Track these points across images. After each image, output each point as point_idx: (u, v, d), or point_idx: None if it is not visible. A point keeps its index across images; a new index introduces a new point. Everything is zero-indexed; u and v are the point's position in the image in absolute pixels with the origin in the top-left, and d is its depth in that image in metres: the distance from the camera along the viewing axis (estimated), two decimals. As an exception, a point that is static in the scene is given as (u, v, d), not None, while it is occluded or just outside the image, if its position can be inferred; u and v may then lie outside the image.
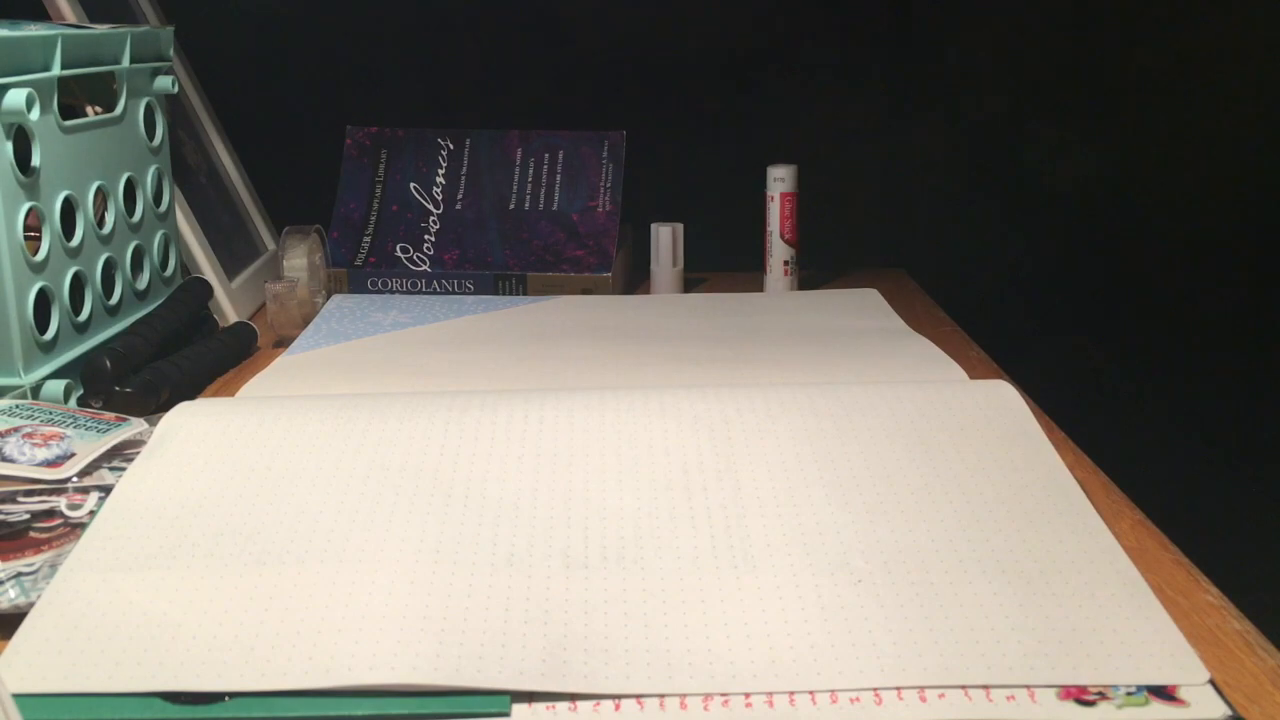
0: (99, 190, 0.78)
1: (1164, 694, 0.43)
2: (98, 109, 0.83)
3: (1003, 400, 0.63)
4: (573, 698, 0.43)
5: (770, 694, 0.43)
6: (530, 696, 0.43)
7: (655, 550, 0.50)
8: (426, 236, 1.01)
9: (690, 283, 1.04)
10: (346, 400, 0.65)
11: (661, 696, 0.43)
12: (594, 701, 0.43)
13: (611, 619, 0.46)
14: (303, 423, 0.62)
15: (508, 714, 0.42)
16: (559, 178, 1.03)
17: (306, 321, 0.89)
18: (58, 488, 0.57)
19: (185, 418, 0.63)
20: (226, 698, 0.43)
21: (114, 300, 0.80)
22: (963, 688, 0.43)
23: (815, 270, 1.05)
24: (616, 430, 0.60)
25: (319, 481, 0.56)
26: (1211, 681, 0.43)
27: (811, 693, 0.43)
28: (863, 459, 0.57)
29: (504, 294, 0.99)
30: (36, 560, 0.52)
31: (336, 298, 0.96)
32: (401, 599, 0.47)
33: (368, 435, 0.60)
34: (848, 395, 0.63)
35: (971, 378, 0.74)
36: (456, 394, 0.65)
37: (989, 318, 0.98)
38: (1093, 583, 0.48)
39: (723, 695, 0.43)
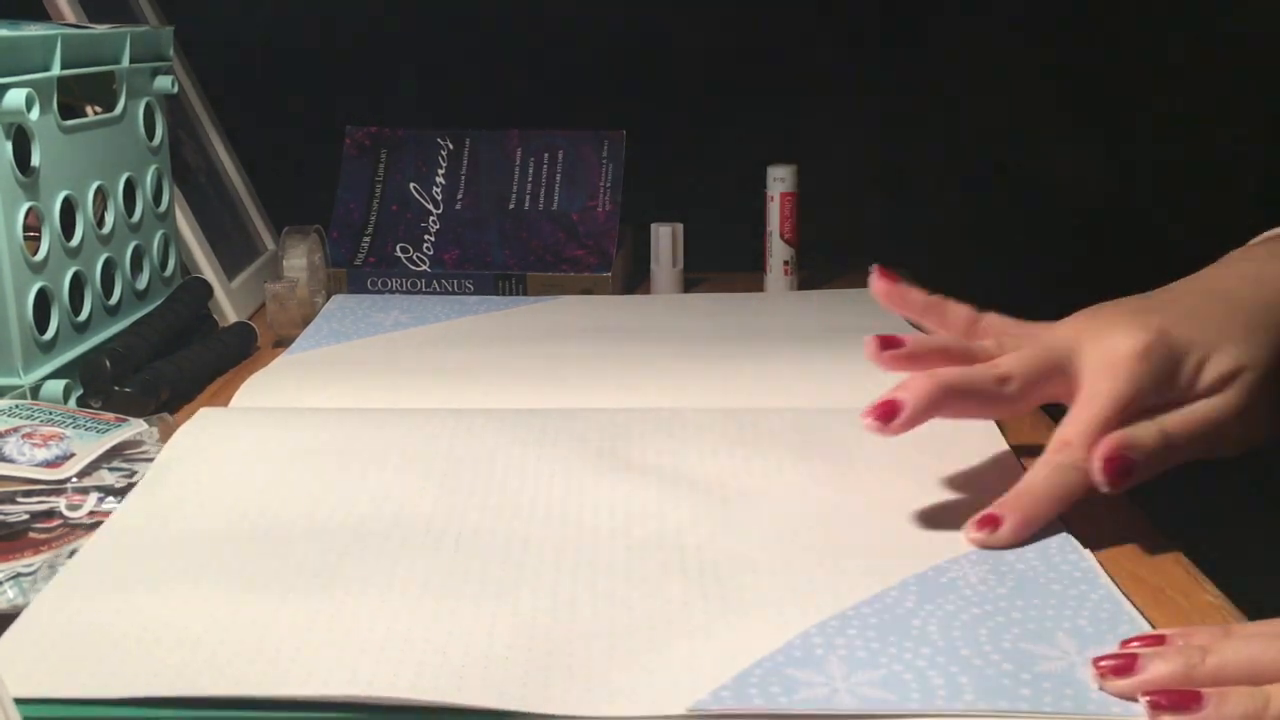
0: (98, 190, 0.78)
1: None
2: (97, 109, 0.83)
3: (990, 443, 0.65)
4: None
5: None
6: (519, 713, 0.43)
7: (643, 596, 0.50)
8: (426, 236, 1.01)
9: (690, 283, 1.04)
10: (351, 434, 0.66)
11: None
12: None
13: (595, 651, 0.46)
14: (305, 458, 0.63)
15: None
16: (559, 177, 1.03)
17: (306, 321, 0.89)
18: (57, 488, 0.57)
19: (189, 441, 0.65)
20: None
21: (114, 300, 0.80)
22: (962, 716, 0.43)
23: (815, 270, 1.05)
24: (611, 491, 0.60)
25: (313, 520, 0.57)
26: None
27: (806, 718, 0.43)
28: (856, 525, 0.57)
29: (504, 294, 0.99)
30: (35, 561, 0.52)
31: (336, 298, 0.96)
32: (385, 623, 0.47)
33: (365, 480, 0.61)
34: (844, 452, 0.64)
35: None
36: (454, 441, 0.66)
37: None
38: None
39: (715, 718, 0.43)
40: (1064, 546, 0.54)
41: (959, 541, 0.55)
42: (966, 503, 0.58)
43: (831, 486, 0.61)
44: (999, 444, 0.65)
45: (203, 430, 0.66)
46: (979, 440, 0.65)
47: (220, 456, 0.63)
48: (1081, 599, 0.50)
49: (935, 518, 0.57)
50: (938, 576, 0.52)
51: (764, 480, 0.61)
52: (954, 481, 0.61)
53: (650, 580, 0.52)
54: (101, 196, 0.79)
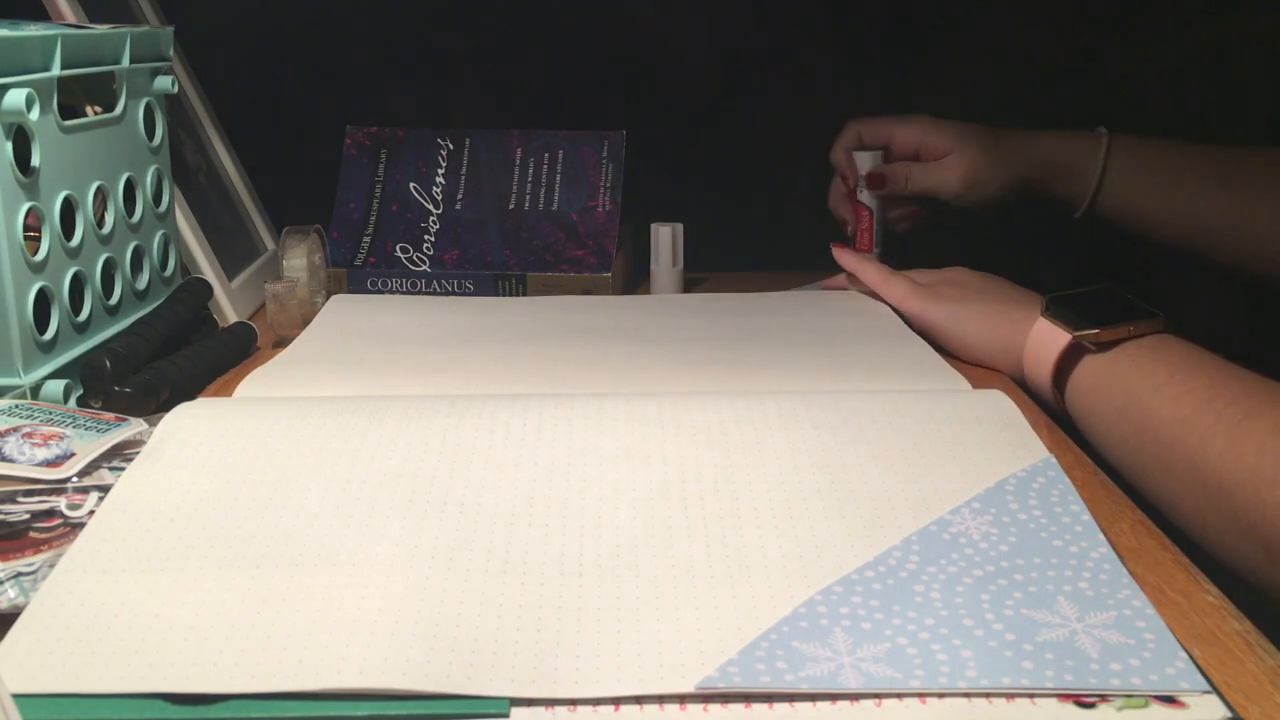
0: (99, 190, 0.78)
1: (1163, 695, 0.43)
2: (97, 109, 0.83)
3: (998, 409, 0.64)
4: (572, 701, 0.43)
5: (770, 696, 0.43)
6: (530, 699, 0.43)
7: (650, 558, 0.50)
8: (426, 236, 1.01)
9: (690, 283, 1.04)
10: (345, 404, 0.65)
11: (660, 699, 0.43)
12: (592, 704, 0.43)
13: (604, 625, 0.46)
14: (301, 427, 0.62)
15: (506, 715, 0.42)
16: (559, 178, 1.03)
17: (306, 321, 0.89)
18: (57, 488, 0.57)
19: (184, 420, 0.63)
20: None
21: (114, 300, 0.80)
22: (965, 695, 0.43)
23: (817, 271, 1.05)
24: (614, 439, 0.60)
25: (315, 486, 0.56)
26: (1211, 685, 0.43)
27: (812, 696, 0.43)
28: (860, 472, 0.57)
29: (504, 294, 0.99)
30: (36, 560, 0.52)
31: (336, 298, 0.96)
32: (395, 603, 0.47)
33: (365, 440, 0.60)
34: (846, 406, 0.64)
35: (970, 379, 0.74)
36: (455, 399, 0.65)
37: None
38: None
39: (722, 696, 0.43)
40: (1065, 496, 0.54)
41: (963, 492, 0.55)
42: (973, 461, 0.58)
43: (835, 437, 0.60)
44: (1009, 408, 0.65)
45: (187, 417, 0.65)
46: (989, 408, 0.65)
47: (208, 439, 0.62)
48: (1082, 558, 0.50)
49: (938, 469, 0.57)
50: (941, 531, 0.52)
51: (766, 432, 0.61)
52: (962, 441, 0.61)
53: (657, 542, 0.51)
54: (101, 196, 0.79)
